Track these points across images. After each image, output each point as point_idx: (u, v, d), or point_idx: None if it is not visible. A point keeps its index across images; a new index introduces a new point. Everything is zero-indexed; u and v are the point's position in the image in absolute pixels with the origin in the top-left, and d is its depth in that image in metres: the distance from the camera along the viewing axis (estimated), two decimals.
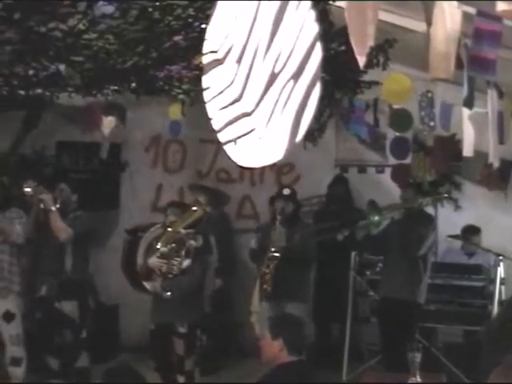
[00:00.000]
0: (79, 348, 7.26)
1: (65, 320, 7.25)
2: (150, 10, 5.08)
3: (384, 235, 7.36)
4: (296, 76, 2.90)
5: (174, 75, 6.55)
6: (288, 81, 2.96)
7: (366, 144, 8.88)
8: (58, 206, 7.08)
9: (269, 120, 3.20)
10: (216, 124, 3.97)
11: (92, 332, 7.40)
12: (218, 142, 9.09)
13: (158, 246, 6.76)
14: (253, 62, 3.28)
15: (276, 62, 3.04)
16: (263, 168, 8.96)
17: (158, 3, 5.07)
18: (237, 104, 3.42)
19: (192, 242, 6.74)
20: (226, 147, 3.91)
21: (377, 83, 7.15)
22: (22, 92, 6.81)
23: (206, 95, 3.67)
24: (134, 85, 6.78)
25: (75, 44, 5.49)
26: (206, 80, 3.82)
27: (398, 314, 7.08)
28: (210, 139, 9.02)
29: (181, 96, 7.20)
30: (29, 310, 7.63)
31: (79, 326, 7.24)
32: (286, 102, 2.99)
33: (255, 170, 8.99)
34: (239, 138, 3.41)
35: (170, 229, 6.76)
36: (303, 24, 2.87)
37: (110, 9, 5.05)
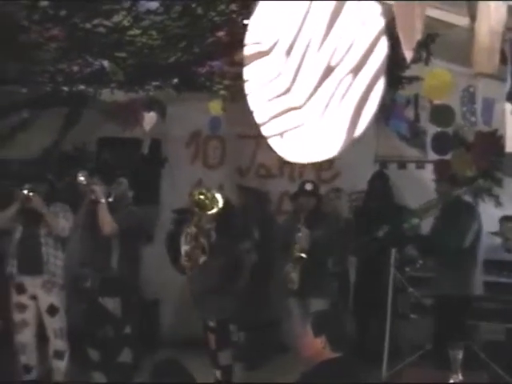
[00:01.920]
0: (121, 344, 7.32)
1: (107, 316, 7.32)
2: (194, 5, 5.13)
3: (430, 232, 7.37)
4: (356, 70, 2.87)
5: (216, 71, 6.59)
6: (347, 74, 2.94)
7: (407, 140, 8.84)
8: (110, 199, 7.15)
9: (322, 114, 3.18)
10: (259, 117, 3.97)
11: (135, 328, 7.45)
12: (258, 138, 9.23)
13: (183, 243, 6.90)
14: (304, 55, 3.25)
15: (333, 55, 3.02)
16: (303, 164, 8.97)
17: None
18: (284, 97, 3.39)
19: (202, 241, 6.84)
20: (270, 141, 3.92)
21: (418, 78, 7.14)
22: (65, 88, 6.89)
23: (248, 87, 3.65)
24: (175, 80, 6.84)
25: (119, 40, 5.55)
26: (248, 72, 3.81)
27: (450, 310, 7.07)
28: (249, 135, 9.10)
29: (222, 92, 7.24)
30: (73, 303, 7.71)
31: (121, 322, 7.29)
32: (343, 97, 2.97)
33: (295, 165, 9.01)
34: (286, 132, 3.39)
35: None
36: (366, 17, 2.86)
37: (154, 5, 5.10)
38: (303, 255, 7.22)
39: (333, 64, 2.93)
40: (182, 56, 5.99)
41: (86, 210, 7.28)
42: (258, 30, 3.73)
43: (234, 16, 5.46)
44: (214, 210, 6.89)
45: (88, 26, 5.27)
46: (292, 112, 3.37)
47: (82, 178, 7.17)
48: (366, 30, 2.83)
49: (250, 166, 9.33)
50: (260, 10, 3.79)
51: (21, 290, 7.54)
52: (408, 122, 8.21)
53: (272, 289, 8.67)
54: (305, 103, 3.25)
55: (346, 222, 8.58)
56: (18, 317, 7.57)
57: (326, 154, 3.06)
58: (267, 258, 8.59)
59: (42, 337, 7.65)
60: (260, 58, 3.62)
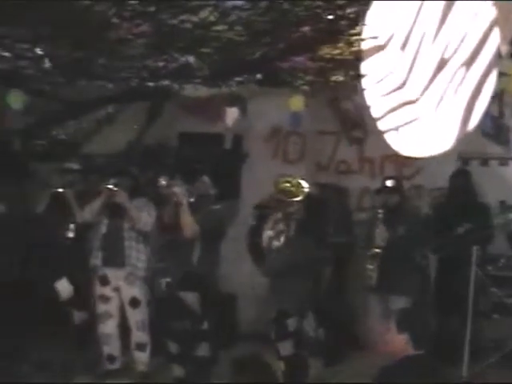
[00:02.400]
0: (199, 338, 7.35)
1: (186, 310, 7.39)
2: (280, 1, 5.15)
3: None
4: (469, 62, 2.86)
5: (299, 66, 6.59)
6: (460, 67, 2.93)
7: (490, 136, 8.68)
8: (192, 199, 7.22)
9: (436, 108, 3.16)
10: (376, 112, 3.93)
11: (215, 322, 7.47)
12: (338, 134, 9.19)
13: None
14: (419, 49, 3.23)
15: (446, 48, 3.00)
16: (383, 159, 8.94)
17: None
18: (399, 91, 3.37)
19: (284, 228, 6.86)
20: (386, 136, 3.87)
21: (503, 74, 7.01)
22: (150, 84, 6.98)
23: (365, 82, 3.61)
24: (258, 76, 6.85)
25: (205, 36, 5.62)
26: (366, 66, 3.76)
27: None
28: (329, 131, 9.10)
29: (304, 87, 7.22)
30: (154, 295, 7.82)
31: (200, 317, 7.32)
32: (456, 90, 2.96)
33: (375, 161, 8.96)
34: (402, 126, 3.36)
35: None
36: (478, 9, 2.83)
37: (239, 1, 5.15)
38: (378, 251, 7.19)
39: (446, 57, 2.91)
40: (266, 51, 6.01)
41: (168, 211, 7.37)
42: (375, 24, 3.70)
43: (319, 11, 5.45)
44: (300, 197, 6.93)
45: (175, 21, 5.34)
46: (407, 106, 3.35)
47: (163, 183, 7.27)
48: (478, 21, 2.79)
49: (329, 161, 9.29)
50: (377, 4, 3.76)
51: (104, 281, 7.69)
52: (492, 119, 8.06)
53: (351, 285, 8.64)
54: (419, 97, 3.22)
55: (426, 218, 8.50)
56: (101, 308, 7.73)
57: (441, 148, 3.03)
58: (346, 255, 8.57)
59: (125, 328, 7.80)
60: (376, 52, 3.60)
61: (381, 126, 3.29)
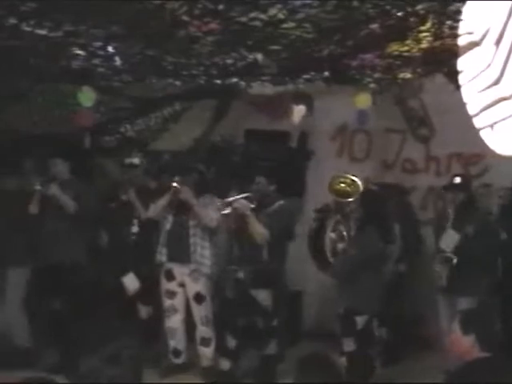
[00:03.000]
0: (269, 336, 7.40)
1: (257, 308, 7.43)
2: None
3: None
4: None
5: (367, 64, 6.58)
6: None
7: None
8: (253, 205, 7.26)
9: None
10: (472, 108, 3.89)
11: (284, 319, 7.52)
12: (404, 132, 9.11)
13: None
14: None
15: None
16: (450, 158, 8.85)
17: None
18: (494, 88, 3.33)
19: (342, 228, 6.85)
20: (482, 133, 3.83)
21: None
22: (218, 81, 7.04)
23: (462, 78, 3.57)
24: (326, 73, 6.87)
25: (273, 33, 5.65)
26: (462, 63, 3.72)
27: None
28: (396, 129, 9.04)
29: (371, 85, 7.21)
30: (221, 291, 7.87)
31: (271, 314, 7.35)
32: None
33: (441, 160, 8.88)
34: (497, 123, 3.32)
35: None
36: None
37: None
38: (450, 255, 7.14)
39: None
40: (335, 49, 6.03)
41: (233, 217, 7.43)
42: (471, 20, 3.65)
43: (389, 8, 5.44)
44: (355, 197, 6.93)
45: (244, 19, 5.38)
46: (502, 103, 3.30)
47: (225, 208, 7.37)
48: None
49: (395, 160, 9.21)
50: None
51: (170, 277, 7.76)
52: None
53: (417, 285, 8.58)
54: None
55: (495, 218, 8.39)
56: (167, 303, 7.80)
57: None
58: (412, 254, 8.51)
59: (190, 323, 7.88)
60: (472, 48, 3.56)
61: (477, 122, 3.25)
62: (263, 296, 7.33)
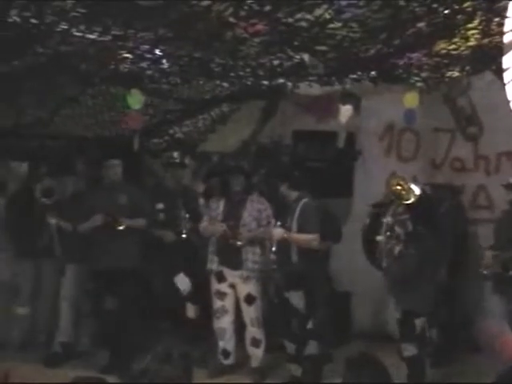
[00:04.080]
0: (306, 337, 7.41)
1: (291, 310, 7.47)
2: None
3: None
4: None
5: (414, 63, 6.56)
6: None
7: None
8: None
9: None
10: None
11: (323, 320, 7.52)
12: (453, 131, 9.04)
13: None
14: None
15: None
16: (499, 157, 8.77)
17: None
18: None
19: (398, 230, 6.83)
20: None
21: None
22: (265, 82, 7.09)
23: (506, 76, 3.55)
24: (373, 73, 6.86)
25: (320, 34, 5.67)
26: (507, 60, 3.70)
27: None
28: (444, 128, 8.98)
29: (419, 84, 7.18)
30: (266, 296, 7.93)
31: (305, 316, 7.38)
32: None
33: (491, 158, 8.80)
34: None
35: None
36: None
37: None
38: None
39: None
40: (381, 48, 6.02)
41: None
42: None
43: (435, 6, 5.41)
44: (410, 201, 6.91)
45: (290, 20, 5.41)
46: None
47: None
48: None
49: (444, 159, 9.15)
50: None
51: (221, 278, 7.82)
52: None
53: (466, 285, 8.51)
54: None
55: None
56: (217, 304, 7.86)
57: None
58: (462, 254, 8.44)
59: (240, 324, 7.93)
60: None
61: None
62: (296, 298, 7.36)
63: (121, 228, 7.75)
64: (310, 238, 7.30)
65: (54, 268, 8.32)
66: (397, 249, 6.92)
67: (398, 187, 7.03)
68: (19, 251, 8.49)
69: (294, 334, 7.49)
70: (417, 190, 6.94)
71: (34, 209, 8.24)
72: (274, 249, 7.34)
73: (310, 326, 7.39)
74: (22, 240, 8.42)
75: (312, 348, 7.40)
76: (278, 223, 7.37)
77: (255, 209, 7.73)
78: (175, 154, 9.08)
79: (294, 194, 7.48)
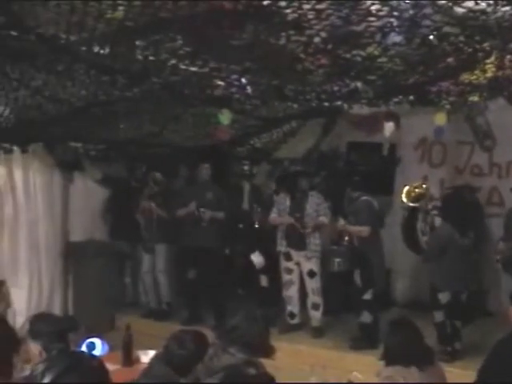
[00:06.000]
0: (361, 308, 7.47)
1: (351, 283, 7.58)
2: (431, 37, 5.17)
3: None
4: None
5: (444, 90, 6.55)
6: None
7: None
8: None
9: None
10: None
11: (375, 295, 7.50)
12: (473, 143, 9.01)
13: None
14: None
15: None
16: (509, 164, 8.76)
17: (435, 32, 5.14)
18: None
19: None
20: None
21: None
22: (326, 104, 7.14)
23: None
24: (411, 97, 6.87)
25: (370, 66, 5.70)
26: None
27: None
28: (466, 141, 8.98)
29: (447, 106, 7.17)
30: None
31: (361, 289, 7.43)
32: None
33: (502, 165, 8.81)
34: None
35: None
36: None
37: (398, 38, 5.21)
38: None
39: None
40: (418, 78, 6.03)
41: None
42: None
43: (461, 45, 5.42)
44: (426, 197, 7.28)
45: (348, 55, 5.47)
46: None
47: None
48: None
49: (465, 165, 9.16)
50: None
51: (288, 258, 7.95)
52: None
53: (483, 266, 8.40)
54: None
55: None
56: (286, 277, 8.00)
57: None
58: (480, 242, 8.33)
59: (303, 293, 8.02)
60: None
61: None
62: (355, 274, 7.39)
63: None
64: (361, 230, 7.36)
65: (147, 247, 8.47)
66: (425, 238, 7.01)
67: (416, 190, 7.19)
68: (118, 235, 8.70)
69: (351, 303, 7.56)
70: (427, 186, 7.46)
71: (131, 199, 8.49)
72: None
73: (366, 297, 7.41)
74: (119, 225, 8.62)
75: (366, 317, 7.44)
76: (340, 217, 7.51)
77: (315, 202, 7.83)
78: (246, 168, 9.32)
79: (355, 194, 7.57)
